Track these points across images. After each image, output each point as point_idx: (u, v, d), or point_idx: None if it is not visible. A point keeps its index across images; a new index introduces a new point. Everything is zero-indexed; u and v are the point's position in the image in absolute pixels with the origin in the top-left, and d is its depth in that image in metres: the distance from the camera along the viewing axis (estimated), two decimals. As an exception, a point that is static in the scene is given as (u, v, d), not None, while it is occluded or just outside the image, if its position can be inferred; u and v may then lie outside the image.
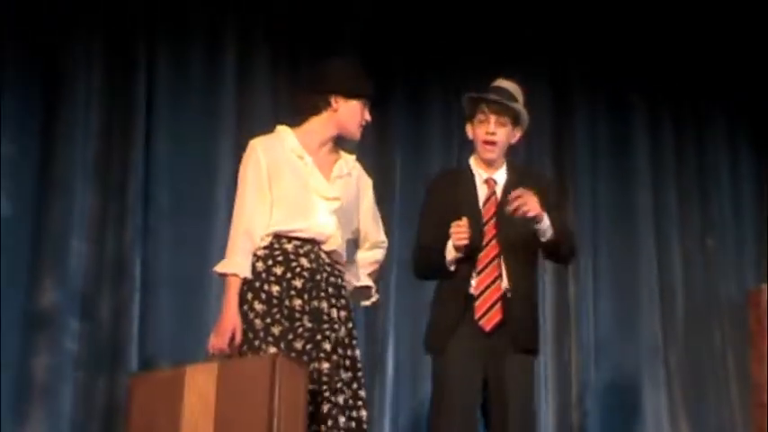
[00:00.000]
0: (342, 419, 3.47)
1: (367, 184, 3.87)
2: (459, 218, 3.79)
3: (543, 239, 3.82)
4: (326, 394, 3.46)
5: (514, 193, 3.73)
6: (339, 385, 3.49)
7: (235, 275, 3.56)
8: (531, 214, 3.72)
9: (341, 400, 3.49)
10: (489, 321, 3.80)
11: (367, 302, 3.95)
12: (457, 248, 3.78)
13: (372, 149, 5.39)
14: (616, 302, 5.82)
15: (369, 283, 3.85)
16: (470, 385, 3.77)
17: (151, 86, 5.04)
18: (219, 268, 3.60)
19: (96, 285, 4.81)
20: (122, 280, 4.81)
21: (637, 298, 5.85)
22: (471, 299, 3.82)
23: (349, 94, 3.68)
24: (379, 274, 3.96)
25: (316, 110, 3.70)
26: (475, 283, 3.82)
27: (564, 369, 5.64)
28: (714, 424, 5.83)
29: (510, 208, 3.72)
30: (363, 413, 3.55)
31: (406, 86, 5.56)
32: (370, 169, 3.96)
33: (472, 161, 4.01)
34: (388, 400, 5.19)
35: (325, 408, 3.45)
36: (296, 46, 5.35)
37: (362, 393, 3.58)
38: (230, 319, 3.52)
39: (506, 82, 3.99)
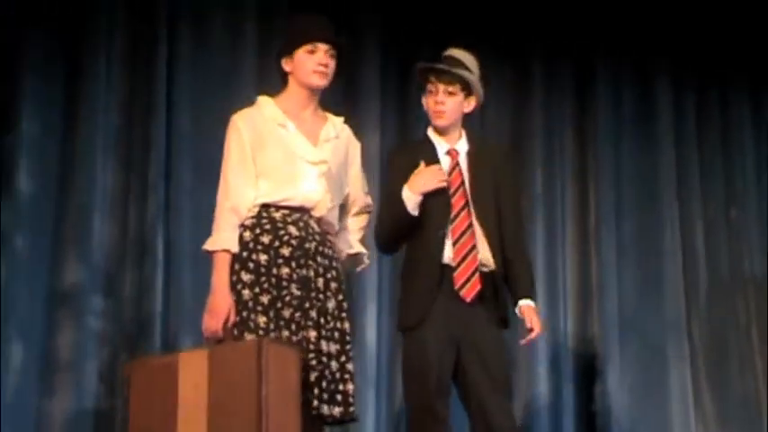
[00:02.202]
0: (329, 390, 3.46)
1: (356, 147, 3.84)
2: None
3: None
4: (313, 363, 3.43)
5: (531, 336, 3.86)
6: (324, 359, 3.46)
7: (225, 251, 3.52)
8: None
9: (326, 371, 3.46)
10: (470, 291, 3.79)
11: (359, 269, 3.94)
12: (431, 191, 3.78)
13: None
14: (639, 276, 5.80)
15: (361, 249, 3.83)
16: (446, 361, 3.76)
17: (172, 60, 5.00)
18: (208, 246, 3.57)
19: (119, 262, 4.79)
20: (145, 256, 4.79)
21: (660, 271, 5.82)
22: (446, 269, 3.80)
23: (290, 51, 3.66)
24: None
25: (283, 78, 3.71)
26: (452, 254, 3.80)
27: (588, 344, 5.63)
28: (738, 397, 5.81)
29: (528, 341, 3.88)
30: (350, 386, 3.53)
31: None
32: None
33: (430, 132, 3.99)
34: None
35: (312, 376, 3.43)
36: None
37: (350, 367, 3.55)
38: (223, 299, 3.48)
39: (457, 51, 3.96)
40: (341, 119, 3.79)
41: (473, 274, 3.80)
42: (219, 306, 3.48)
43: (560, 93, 5.86)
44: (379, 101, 5.38)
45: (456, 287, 3.78)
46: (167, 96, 4.94)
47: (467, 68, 3.91)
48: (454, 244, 3.81)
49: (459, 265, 3.80)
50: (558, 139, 5.80)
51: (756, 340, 5.84)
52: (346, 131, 3.80)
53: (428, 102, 3.93)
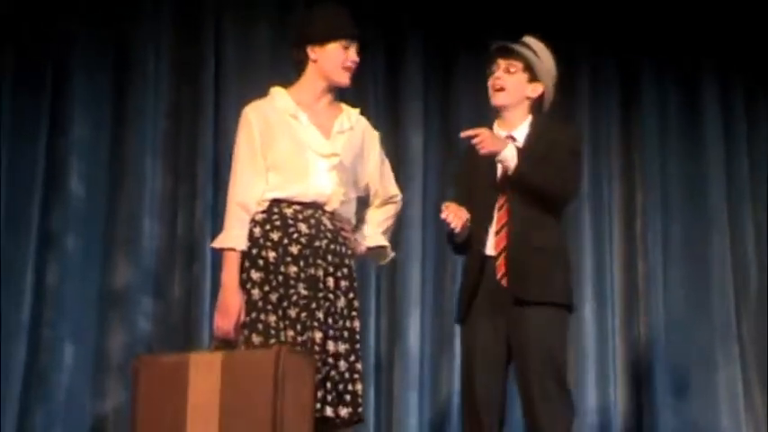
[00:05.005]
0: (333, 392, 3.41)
1: (373, 137, 3.72)
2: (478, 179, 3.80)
3: (510, 174, 3.71)
4: (318, 365, 3.36)
5: (466, 133, 3.69)
6: (331, 360, 3.41)
7: (232, 249, 3.45)
8: (483, 152, 3.66)
9: (333, 372, 3.41)
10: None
11: (384, 261, 3.87)
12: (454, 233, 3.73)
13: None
14: (687, 277, 5.75)
15: (382, 242, 3.73)
16: (495, 350, 3.72)
17: (219, 66, 5.07)
18: (217, 243, 3.51)
19: (168, 264, 4.87)
20: (193, 258, 4.86)
21: (708, 273, 5.77)
22: (487, 260, 3.75)
23: (322, 40, 3.55)
24: (395, 228, 3.88)
25: (301, 65, 3.60)
26: (493, 243, 3.75)
27: (635, 346, 5.61)
28: (790, 399, 5.76)
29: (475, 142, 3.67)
30: (359, 387, 3.46)
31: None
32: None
33: (496, 124, 3.90)
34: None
35: (316, 379, 3.34)
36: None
37: (359, 366, 3.48)
38: (233, 298, 3.41)
39: (531, 38, 3.88)
40: (356, 110, 3.69)
41: None
42: (230, 305, 3.40)
43: (606, 94, 5.84)
44: (422, 102, 5.39)
45: (498, 277, 3.73)
46: (215, 100, 5.00)
47: (532, 51, 3.84)
48: (497, 233, 3.75)
49: (500, 254, 3.74)
50: (605, 141, 5.78)
51: (806, 341, 5.78)
52: (362, 122, 3.67)
53: (489, 81, 3.87)
